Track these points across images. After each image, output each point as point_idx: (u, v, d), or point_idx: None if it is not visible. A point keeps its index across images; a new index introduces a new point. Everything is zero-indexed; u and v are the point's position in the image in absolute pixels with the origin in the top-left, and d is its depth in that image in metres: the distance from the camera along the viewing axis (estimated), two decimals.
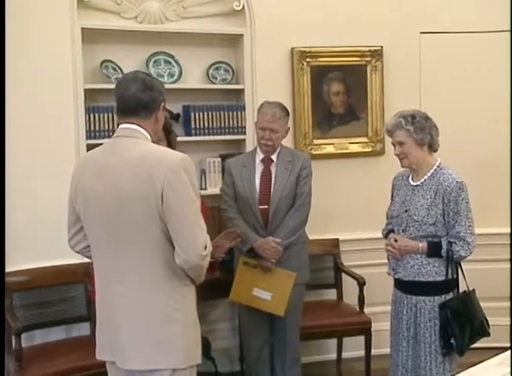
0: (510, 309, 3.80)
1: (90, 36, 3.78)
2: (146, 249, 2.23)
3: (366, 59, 4.36)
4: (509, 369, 1.88)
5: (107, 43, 3.92)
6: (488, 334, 3.05)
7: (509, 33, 4.30)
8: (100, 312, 2.38)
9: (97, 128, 3.78)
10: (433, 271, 2.98)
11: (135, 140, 2.27)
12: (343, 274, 4.22)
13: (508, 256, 4.30)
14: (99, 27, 3.80)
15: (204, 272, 2.33)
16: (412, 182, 3.09)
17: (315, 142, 4.33)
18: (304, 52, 4.23)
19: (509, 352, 2.06)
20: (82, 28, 3.71)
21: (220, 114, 4.10)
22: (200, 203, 2.29)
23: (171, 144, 3.01)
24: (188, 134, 4.07)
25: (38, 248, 3.58)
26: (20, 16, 3.53)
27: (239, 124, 4.14)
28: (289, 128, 3.63)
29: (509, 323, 4.09)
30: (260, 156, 3.56)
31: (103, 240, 2.30)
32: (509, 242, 4.31)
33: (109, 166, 2.25)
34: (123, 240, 2.24)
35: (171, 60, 4.07)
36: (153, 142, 2.33)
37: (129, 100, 2.28)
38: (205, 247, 2.23)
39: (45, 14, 3.63)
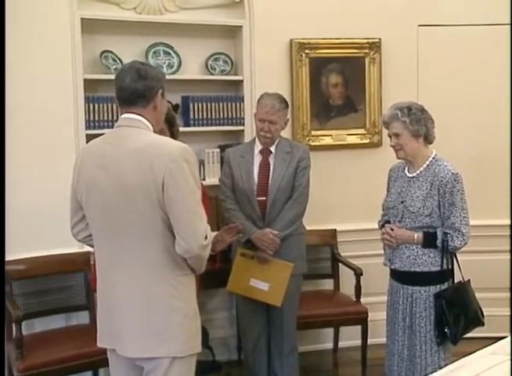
0: (510, 300, 3.85)
1: (90, 26, 3.78)
2: (146, 238, 2.25)
3: (365, 51, 4.38)
4: (502, 358, 1.91)
5: (107, 34, 3.92)
6: (483, 324, 3.09)
7: (507, 26, 4.31)
8: (101, 300, 2.41)
9: (96, 118, 3.79)
10: (428, 261, 3.01)
11: (137, 130, 2.30)
12: (340, 264, 4.26)
13: (504, 247, 4.34)
14: (98, 17, 3.81)
15: (205, 261, 2.36)
16: (408, 174, 3.12)
17: (313, 133, 4.35)
18: (303, 43, 4.25)
19: (503, 341, 2.10)
20: (82, 18, 3.72)
21: (219, 105, 4.12)
22: (201, 193, 2.31)
23: (173, 136, 3.03)
24: (187, 124, 4.09)
25: (38, 237, 3.60)
26: (20, 7, 3.54)
27: (238, 115, 4.16)
28: (288, 120, 3.65)
29: (504, 313, 4.13)
30: (258, 147, 3.58)
31: (105, 229, 2.33)
32: (504, 233, 4.34)
33: (111, 155, 2.27)
34: (124, 229, 2.27)
35: (170, 51, 4.08)
36: (155, 131, 2.35)
37: (125, 91, 2.31)
38: (205, 237, 2.25)
39: (44, 4, 3.64)
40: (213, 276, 3.54)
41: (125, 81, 2.29)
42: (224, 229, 2.71)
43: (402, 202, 3.07)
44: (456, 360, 2.03)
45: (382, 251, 3.23)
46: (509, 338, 2.10)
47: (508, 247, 4.30)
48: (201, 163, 4.10)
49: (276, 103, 3.48)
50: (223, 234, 2.65)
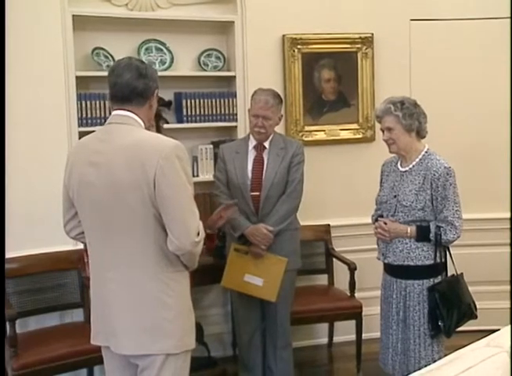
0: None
1: (81, 23, 3.77)
2: (138, 235, 2.25)
3: (357, 46, 4.37)
4: (495, 350, 1.92)
5: (98, 30, 3.92)
6: (476, 317, 3.11)
7: (498, 20, 4.32)
8: (94, 297, 2.41)
9: (89, 116, 3.79)
10: (422, 255, 3.02)
11: (129, 127, 2.29)
12: (334, 259, 4.27)
13: (495, 241, 4.37)
14: (90, 14, 3.79)
15: (197, 258, 2.36)
16: (400, 168, 3.13)
17: (307, 128, 4.35)
18: (296, 39, 4.24)
19: (496, 334, 2.11)
20: (73, 15, 3.70)
21: (211, 101, 4.11)
22: (193, 189, 2.32)
23: (159, 129, 3.07)
24: (180, 121, 4.08)
25: (32, 235, 3.59)
26: (11, 4, 3.51)
27: (231, 111, 4.15)
28: (282, 116, 3.65)
29: (496, 306, 4.18)
30: (253, 142, 3.58)
31: (96, 226, 2.33)
32: (495, 227, 4.38)
33: (102, 152, 2.27)
34: (116, 226, 2.27)
35: (162, 48, 4.07)
36: (146, 128, 2.35)
37: (123, 88, 2.29)
38: (198, 234, 2.26)
39: (35, 1, 3.62)
40: (207, 272, 3.55)
41: (123, 78, 2.28)
42: (221, 207, 2.86)
43: (395, 196, 3.08)
44: (450, 353, 2.04)
45: (376, 246, 3.24)
46: (501, 331, 2.10)
47: (499, 241, 4.35)
48: (194, 159, 4.10)
49: (270, 99, 3.49)
50: (221, 211, 2.79)
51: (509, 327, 1.96)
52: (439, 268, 3.04)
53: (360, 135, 4.45)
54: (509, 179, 4.16)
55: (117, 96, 2.32)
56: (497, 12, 4.32)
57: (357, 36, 4.35)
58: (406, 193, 3.03)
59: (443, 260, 3.04)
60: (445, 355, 2.18)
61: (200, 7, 4.09)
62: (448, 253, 3.08)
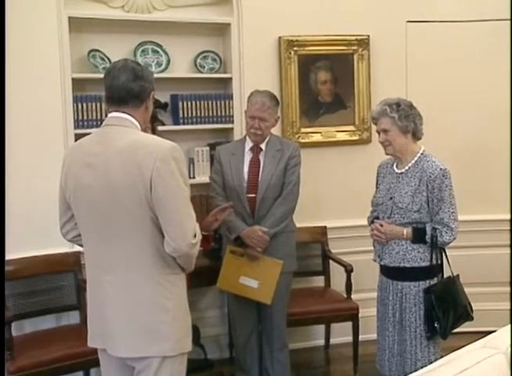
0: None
1: (77, 25, 3.77)
2: (135, 237, 2.25)
3: (353, 48, 4.38)
4: (492, 352, 1.92)
5: (95, 32, 3.92)
6: (472, 319, 3.11)
7: (494, 22, 4.34)
8: (91, 300, 2.41)
9: (85, 118, 3.79)
10: (418, 257, 3.03)
11: (125, 129, 2.29)
12: (330, 261, 4.27)
13: (489, 242, 4.39)
14: (86, 16, 3.80)
15: (194, 260, 2.36)
16: (396, 170, 3.13)
17: (303, 130, 4.35)
18: (292, 41, 4.25)
19: (492, 335, 2.11)
20: (69, 17, 3.70)
21: (208, 103, 4.12)
22: (189, 191, 2.31)
23: (154, 131, 3.08)
24: (176, 123, 4.08)
25: (28, 237, 3.58)
26: (7, 6, 3.51)
27: (227, 113, 4.16)
28: (278, 117, 3.66)
29: (492, 307, 4.20)
30: (249, 144, 3.58)
31: (93, 228, 2.32)
32: (490, 228, 4.40)
33: (98, 154, 2.26)
34: (112, 228, 2.26)
35: (158, 49, 4.07)
36: (142, 130, 2.34)
37: (119, 90, 2.29)
38: (194, 236, 2.25)
39: (32, 3, 3.62)
40: (204, 274, 3.55)
41: (119, 80, 2.28)
42: (217, 209, 2.83)
43: (391, 198, 3.08)
44: (446, 355, 2.04)
45: (372, 248, 3.24)
46: (498, 332, 2.11)
47: (495, 242, 4.36)
48: (191, 161, 4.10)
49: (267, 101, 3.49)
50: (216, 213, 2.78)
51: (505, 328, 1.97)
52: (435, 270, 3.04)
53: (356, 137, 4.46)
54: (508, 181, 4.17)
55: (113, 98, 2.31)
56: (493, 14, 4.33)
57: (353, 38, 4.36)
58: (402, 195, 3.04)
59: (439, 262, 3.04)
60: (442, 356, 2.19)
61: (196, 9, 4.09)
62: (444, 255, 3.08)
